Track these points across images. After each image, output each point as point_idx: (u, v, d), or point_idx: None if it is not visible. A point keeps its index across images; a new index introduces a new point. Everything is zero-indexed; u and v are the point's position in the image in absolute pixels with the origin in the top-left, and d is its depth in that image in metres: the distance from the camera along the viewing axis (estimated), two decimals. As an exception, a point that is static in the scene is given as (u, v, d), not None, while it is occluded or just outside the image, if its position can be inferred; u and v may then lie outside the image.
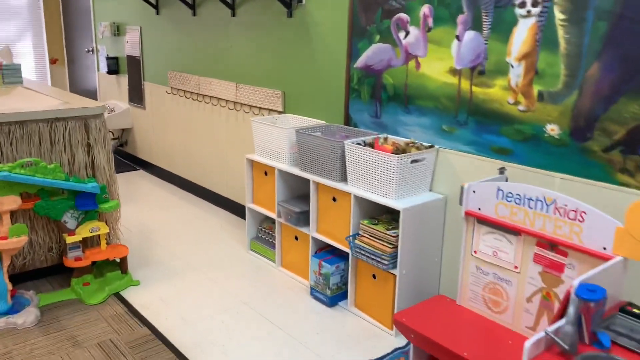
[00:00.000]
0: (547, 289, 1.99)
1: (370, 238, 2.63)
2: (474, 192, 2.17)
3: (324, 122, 3.26)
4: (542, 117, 2.25)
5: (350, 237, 2.73)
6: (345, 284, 2.94)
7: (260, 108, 3.77)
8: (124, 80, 5.55)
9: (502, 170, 2.31)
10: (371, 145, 2.75)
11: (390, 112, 2.86)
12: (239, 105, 3.96)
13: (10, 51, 3.88)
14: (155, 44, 4.90)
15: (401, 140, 2.77)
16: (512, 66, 2.31)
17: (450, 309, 2.30)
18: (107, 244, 3.09)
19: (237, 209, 4.20)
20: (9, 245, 2.59)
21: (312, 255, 3.01)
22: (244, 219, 4.10)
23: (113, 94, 5.85)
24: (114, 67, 5.60)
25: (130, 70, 5.35)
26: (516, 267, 2.08)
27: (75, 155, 2.98)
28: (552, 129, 2.23)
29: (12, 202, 2.64)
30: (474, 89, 2.46)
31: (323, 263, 2.88)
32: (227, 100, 4.08)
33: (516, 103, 2.32)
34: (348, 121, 3.12)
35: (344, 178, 2.82)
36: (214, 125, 4.29)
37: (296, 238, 3.16)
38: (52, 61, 7.00)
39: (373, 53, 2.89)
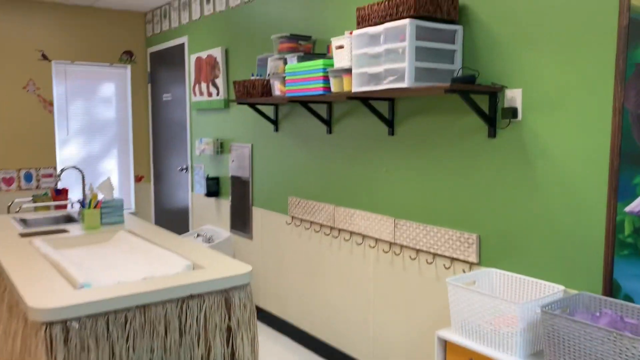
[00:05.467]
0: None
1: None
2: None
3: (562, 287, 2.23)
4: None
5: None
6: None
7: (435, 255, 2.78)
8: (225, 203, 4.76)
9: None
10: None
11: None
12: (398, 247, 3.00)
13: (111, 184, 3.12)
14: (270, 164, 4.11)
15: None
16: None
17: None
18: None
19: (391, 385, 3.11)
20: None
21: None
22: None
23: (210, 218, 5.06)
24: (214, 188, 4.84)
25: (235, 193, 4.56)
26: None
27: (211, 347, 2.03)
28: None
29: None
30: None
31: None
32: (377, 240, 3.14)
33: None
34: (610, 290, 2.08)
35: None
36: (355, 270, 3.33)
37: None
38: (137, 179, 6.40)
39: (666, 193, 1.90)
